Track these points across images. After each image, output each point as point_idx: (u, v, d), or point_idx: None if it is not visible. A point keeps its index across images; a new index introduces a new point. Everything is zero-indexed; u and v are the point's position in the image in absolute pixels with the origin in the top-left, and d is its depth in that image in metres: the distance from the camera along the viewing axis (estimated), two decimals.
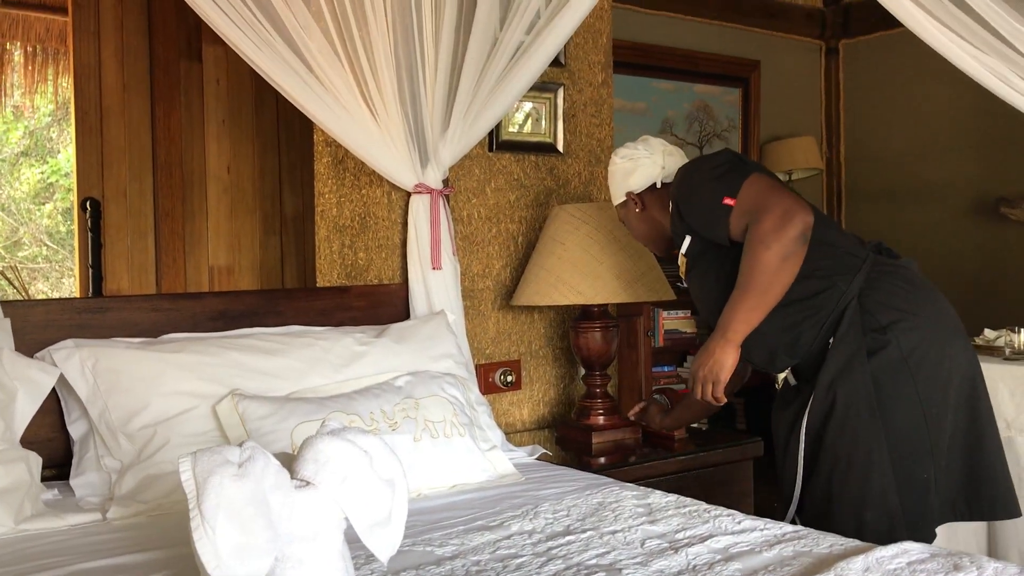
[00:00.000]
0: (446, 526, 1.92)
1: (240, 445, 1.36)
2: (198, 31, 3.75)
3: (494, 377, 3.07)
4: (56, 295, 6.14)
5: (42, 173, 6.45)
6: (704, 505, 2.01)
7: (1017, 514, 2.14)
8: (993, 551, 2.91)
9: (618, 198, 2.52)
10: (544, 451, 2.70)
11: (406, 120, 2.68)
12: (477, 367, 2.97)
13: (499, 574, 1.62)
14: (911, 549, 1.63)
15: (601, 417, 2.94)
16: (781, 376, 2.34)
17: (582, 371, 3.09)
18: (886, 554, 1.61)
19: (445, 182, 2.84)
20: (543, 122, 3.23)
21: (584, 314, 2.95)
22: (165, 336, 2.39)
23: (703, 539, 1.77)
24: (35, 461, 2.06)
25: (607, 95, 3.38)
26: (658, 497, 2.08)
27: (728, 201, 2.10)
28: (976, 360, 2.15)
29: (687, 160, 2.44)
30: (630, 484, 2.24)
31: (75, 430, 2.25)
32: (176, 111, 3.77)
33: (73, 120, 3.68)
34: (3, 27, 4.61)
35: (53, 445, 2.26)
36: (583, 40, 3.29)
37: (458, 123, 2.73)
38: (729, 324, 2.10)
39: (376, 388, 2.32)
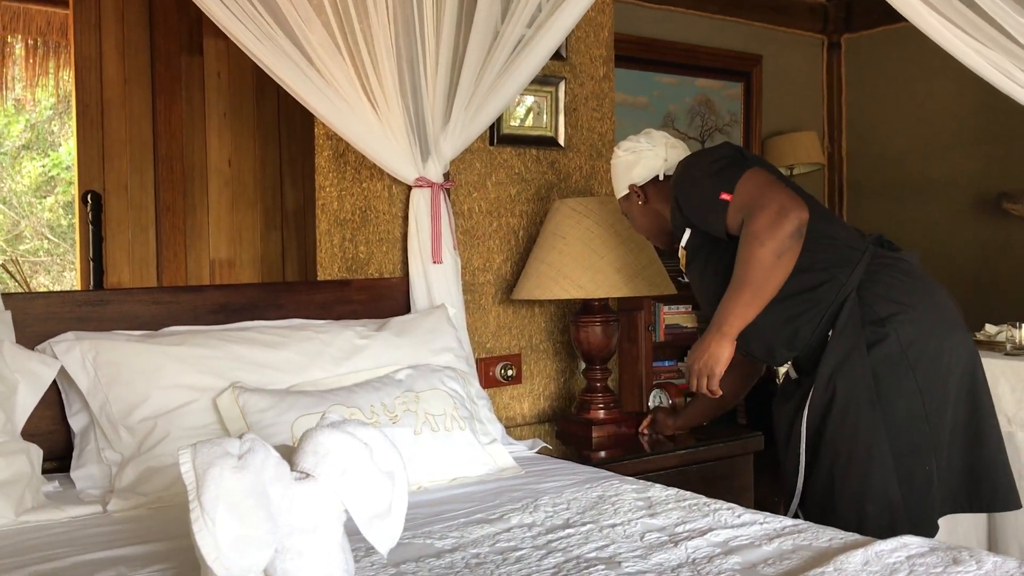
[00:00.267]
0: (446, 519, 1.93)
1: (240, 437, 1.36)
2: (199, 24, 3.74)
3: (494, 371, 3.07)
4: (57, 288, 6.14)
5: (43, 166, 6.45)
6: (704, 499, 2.01)
7: (1017, 506, 2.15)
8: (993, 545, 2.91)
9: (621, 191, 2.53)
10: (544, 445, 2.70)
11: (407, 113, 2.68)
12: (478, 361, 2.97)
13: (499, 567, 1.63)
14: (910, 543, 1.64)
15: (601, 411, 2.94)
16: (782, 370, 2.34)
17: (582, 365, 3.09)
18: (885, 548, 1.61)
19: (446, 176, 2.84)
20: (544, 116, 3.22)
21: (585, 308, 2.95)
22: (166, 329, 2.39)
23: (703, 532, 1.78)
24: (36, 453, 2.07)
25: (608, 89, 3.37)
26: (658, 491, 2.08)
27: (725, 196, 2.11)
28: (976, 353, 2.15)
29: (690, 153, 2.44)
30: (630, 478, 2.25)
31: (76, 422, 2.25)
32: (177, 104, 3.76)
33: (74, 113, 3.68)
34: (4, 20, 4.60)
35: (54, 437, 2.27)
36: (584, 34, 3.29)
37: (459, 116, 2.73)
38: (724, 319, 2.11)
39: (377, 381, 2.33)
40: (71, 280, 6.06)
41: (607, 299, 2.97)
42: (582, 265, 2.79)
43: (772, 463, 2.87)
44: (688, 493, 2.07)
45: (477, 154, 3.07)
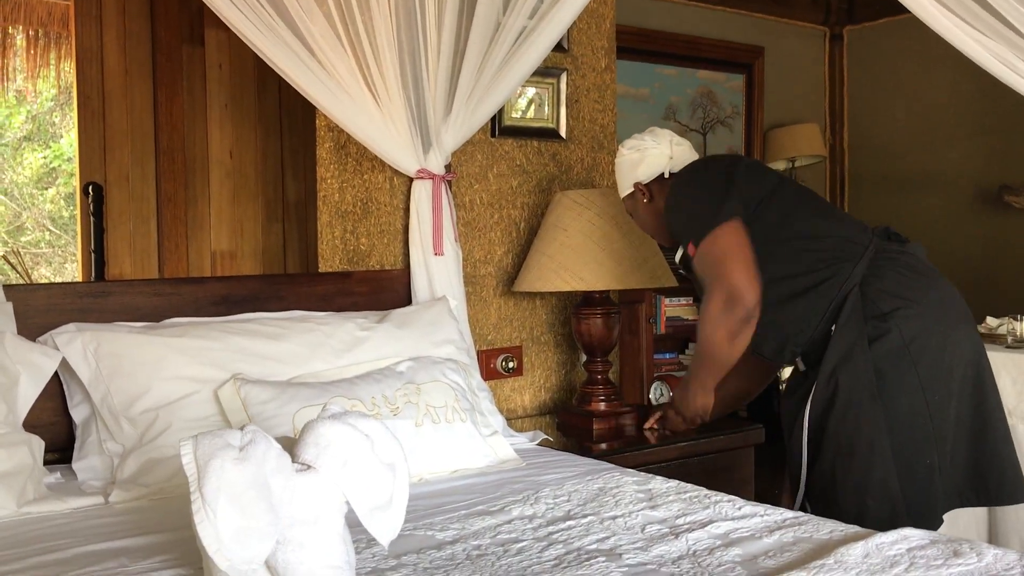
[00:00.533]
0: (447, 510, 1.93)
1: (241, 429, 1.36)
2: (200, 15, 3.73)
3: (496, 363, 3.07)
4: (59, 280, 6.14)
5: (44, 158, 6.44)
6: (705, 491, 2.01)
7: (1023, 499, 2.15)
8: (994, 538, 2.91)
9: (625, 189, 2.53)
10: (545, 437, 2.70)
11: (408, 105, 2.67)
12: (479, 353, 2.97)
13: (500, 558, 1.63)
14: (911, 535, 1.64)
15: (602, 403, 2.94)
16: (787, 371, 2.36)
17: (583, 357, 3.09)
18: (886, 540, 1.61)
19: (447, 167, 2.84)
20: (546, 107, 3.22)
21: (586, 300, 2.95)
22: (167, 320, 2.39)
23: (703, 525, 1.78)
24: (37, 444, 2.07)
25: (610, 80, 3.37)
26: (659, 483, 2.08)
27: (691, 249, 2.26)
28: (981, 346, 2.14)
29: (694, 152, 2.47)
30: (631, 470, 2.25)
31: (77, 414, 2.25)
32: (178, 96, 3.76)
33: (75, 104, 3.67)
34: (5, 11, 4.60)
35: (55, 429, 2.27)
36: (586, 25, 3.28)
37: (460, 108, 2.72)
38: (699, 379, 2.38)
39: (378, 373, 2.33)
40: (72, 272, 6.06)
41: (608, 291, 2.97)
42: (583, 257, 2.78)
43: (773, 456, 2.87)
44: (689, 485, 2.07)
45: (478, 146, 3.07)
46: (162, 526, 1.81)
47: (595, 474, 2.17)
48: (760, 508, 1.88)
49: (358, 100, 2.59)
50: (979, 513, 2.92)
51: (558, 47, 3.14)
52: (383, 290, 2.81)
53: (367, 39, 2.56)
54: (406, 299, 2.83)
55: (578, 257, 2.78)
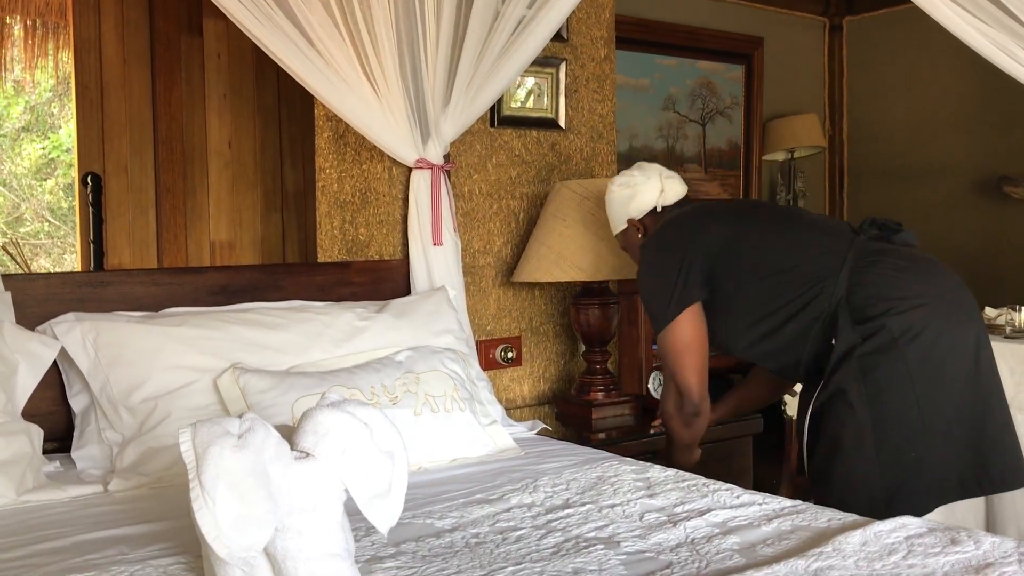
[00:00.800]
0: (446, 499, 1.93)
1: (240, 417, 1.36)
2: (199, 5, 3.72)
3: (495, 353, 3.07)
4: (58, 271, 6.14)
5: (43, 148, 6.43)
6: (703, 479, 2.01)
7: None
8: (991, 527, 2.92)
9: (619, 226, 2.55)
10: (544, 426, 2.70)
11: (407, 94, 2.67)
12: (478, 343, 2.97)
13: (498, 546, 1.63)
14: (909, 524, 1.64)
15: (601, 393, 2.94)
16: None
17: (582, 347, 3.09)
18: (884, 528, 1.62)
19: (446, 157, 2.83)
20: (545, 97, 3.21)
21: (585, 291, 2.95)
22: (166, 310, 2.39)
23: (701, 513, 1.78)
24: (36, 433, 2.07)
25: (610, 70, 3.36)
26: (657, 471, 2.08)
27: (653, 331, 2.44)
28: (981, 334, 2.13)
29: (683, 184, 2.54)
30: (629, 459, 2.25)
31: (76, 403, 2.26)
32: (177, 85, 3.75)
33: (73, 95, 3.67)
34: (3, 1, 4.58)
35: (54, 418, 2.27)
36: (586, 15, 3.27)
37: (459, 98, 2.72)
38: (675, 455, 2.51)
39: (377, 363, 2.33)
40: (72, 263, 6.05)
41: (607, 282, 2.97)
42: (582, 248, 2.78)
43: (771, 445, 2.87)
44: (687, 474, 2.07)
45: (477, 136, 3.06)
46: (161, 514, 1.82)
47: (594, 463, 2.18)
48: (758, 497, 1.88)
49: (356, 89, 2.59)
50: (976, 502, 2.93)
51: (557, 36, 3.14)
52: (382, 280, 2.81)
53: (365, 28, 2.55)
54: (405, 289, 2.83)
55: (577, 247, 2.78)
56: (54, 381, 2.26)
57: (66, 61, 4.67)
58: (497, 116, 3.09)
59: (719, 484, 1.97)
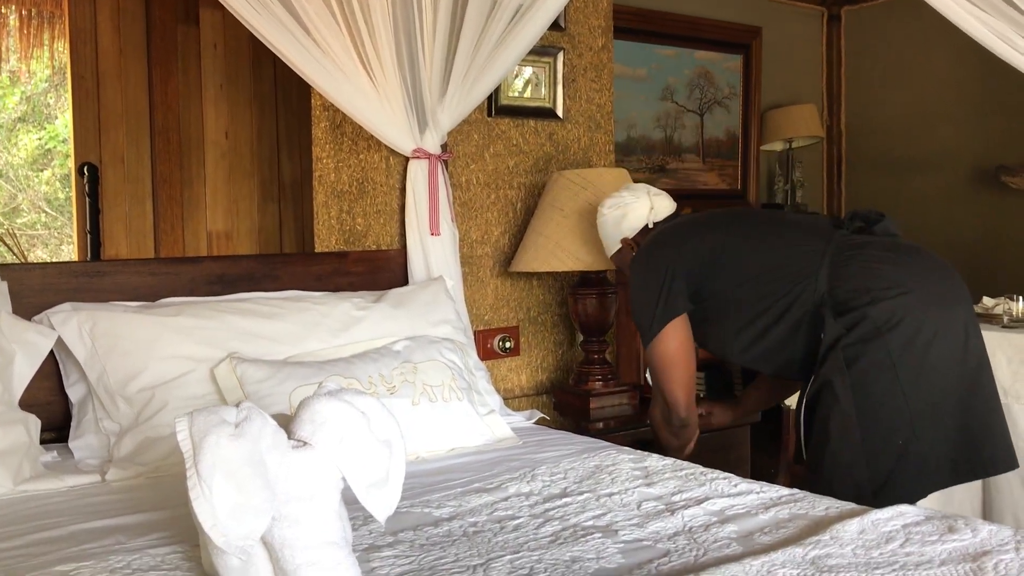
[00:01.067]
0: (444, 488, 1.93)
1: (237, 406, 1.36)
2: None
3: (493, 343, 3.07)
4: (55, 261, 6.13)
5: (40, 139, 6.41)
6: (701, 468, 2.02)
7: (1015, 465, 2.15)
8: (988, 515, 2.92)
9: (613, 247, 2.58)
10: (542, 416, 2.71)
11: (404, 84, 2.66)
12: (476, 333, 2.97)
13: (496, 535, 1.63)
14: (906, 512, 1.64)
15: (599, 382, 2.95)
16: None
17: (580, 337, 3.09)
18: (881, 516, 1.62)
19: (443, 147, 2.83)
20: (542, 87, 3.21)
21: (583, 281, 2.95)
22: (163, 300, 2.39)
23: (699, 501, 1.78)
24: (34, 423, 2.07)
25: (607, 60, 3.35)
26: (655, 460, 2.08)
27: (641, 341, 2.48)
28: (969, 317, 2.13)
29: (671, 200, 2.56)
30: (627, 448, 2.25)
31: (73, 393, 2.25)
32: (173, 76, 3.74)
33: (70, 85, 3.65)
34: None
35: (52, 408, 2.27)
36: (583, 3, 3.26)
37: (457, 87, 2.71)
38: (669, 452, 2.49)
39: (374, 353, 2.33)
40: (69, 253, 6.03)
41: (605, 271, 2.97)
42: (580, 237, 2.78)
43: (769, 435, 2.87)
44: (685, 463, 2.08)
45: (475, 125, 3.05)
46: (158, 504, 1.82)
47: (591, 452, 2.18)
48: (756, 485, 1.88)
49: (353, 79, 2.58)
50: (974, 490, 2.93)
51: (555, 26, 3.13)
52: (379, 270, 2.81)
53: (362, 17, 2.54)
54: (402, 279, 2.83)
55: (575, 237, 2.78)
56: (51, 371, 2.26)
57: (62, 51, 4.65)
58: (494, 106, 3.08)
59: (717, 473, 1.98)
